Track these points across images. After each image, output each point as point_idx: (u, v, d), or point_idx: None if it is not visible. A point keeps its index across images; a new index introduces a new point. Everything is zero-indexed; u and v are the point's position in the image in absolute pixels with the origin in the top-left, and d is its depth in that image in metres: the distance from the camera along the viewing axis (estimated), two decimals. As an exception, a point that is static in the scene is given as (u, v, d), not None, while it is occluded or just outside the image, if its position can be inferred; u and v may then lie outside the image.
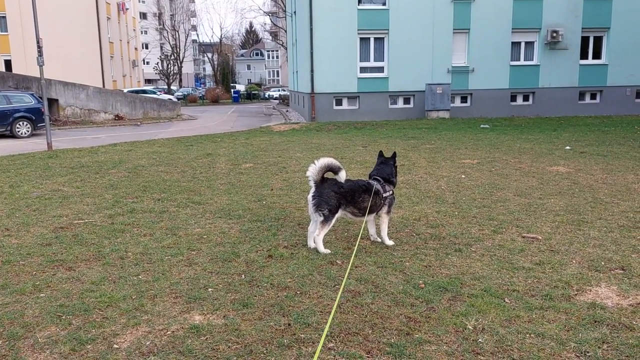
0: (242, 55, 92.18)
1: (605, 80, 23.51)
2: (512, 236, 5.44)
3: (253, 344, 3.20)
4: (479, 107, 22.86)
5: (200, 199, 7.27)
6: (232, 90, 49.94)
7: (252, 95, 51.07)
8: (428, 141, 14.08)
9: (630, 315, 3.55)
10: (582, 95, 23.68)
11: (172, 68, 59.08)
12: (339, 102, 22.89)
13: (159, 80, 64.84)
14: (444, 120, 21.34)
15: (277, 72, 79.00)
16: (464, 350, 3.12)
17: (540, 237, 5.36)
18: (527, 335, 3.30)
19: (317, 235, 4.93)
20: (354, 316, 3.57)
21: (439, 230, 5.66)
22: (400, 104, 23.16)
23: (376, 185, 5.11)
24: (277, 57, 75.66)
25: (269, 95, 52.87)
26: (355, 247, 4.78)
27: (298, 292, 3.98)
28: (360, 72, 22.35)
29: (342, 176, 5.01)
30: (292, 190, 7.84)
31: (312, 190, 4.98)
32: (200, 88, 66.19)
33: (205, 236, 5.49)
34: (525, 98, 23.66)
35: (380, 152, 5.64)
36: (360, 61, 22.30)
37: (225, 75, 56.20)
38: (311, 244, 5.03)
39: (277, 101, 44.49)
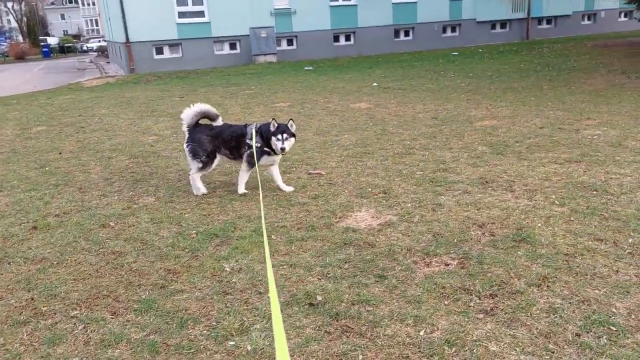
0: (52, 4, 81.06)
1: (416, 17, 25.39)
2: (299, 174, 5.67)
3: (-16, 329, 2.90)
4: (304, 50, 23.25)
5: (-33, 172, 6.32)
6: (42, 44, 43.98)
7: (66, 49, 45.54)
8: (249, 87, 13.99)
9: (376, 234, 3.94)
10: (397, 33, 25.37)
11: (-38, 20, 49.75)
12: (159, 51, 21.49)
13: (-53, 35, 54.38)
14: (271, 64, 21.34)
15: (96, 21, 71.32)
16: (215, 292, 3.18)
17: (323, 173, 5.67)
18: (281, 267, 3.48)
19: (193, 173, 4.98)
20: (110, 279, 3.42)
21: (232, 177, 5.67)
22: (226, 49, 22.54)
23: (249, 128, 4.91)
24: (94, 3, 68.06)
25: (87, 47, 47.70)
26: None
27: (55, 263, 3.69)
28: (179, 17, 21.09)
29: (219, 124, 4.95)
30: (84, 152, 7.22)
31: (186, 136, 4.98)
32: (5, 43, 57.22)
33: (-40, 215, 4.80)
34: (347, 38, 24.64)
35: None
36: (178, 5, 20.99)
37: (32, 27, 49.11)
38: (202, 189, 5.06)
39: (95, 54, 40.40)
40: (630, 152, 5.57)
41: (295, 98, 11.38)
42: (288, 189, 5.07)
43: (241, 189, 5.06)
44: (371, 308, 2.94)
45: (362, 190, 4.99)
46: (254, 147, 4.76)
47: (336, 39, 24.27)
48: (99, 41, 48.43)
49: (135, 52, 20.76)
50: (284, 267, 3.48)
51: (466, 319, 2.78)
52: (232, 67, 20.89)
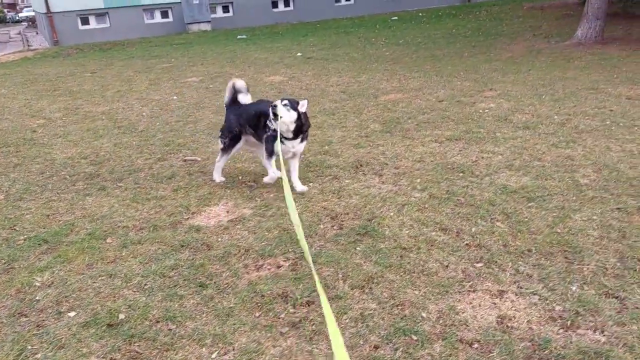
0: (-18, -32, 75.31)
1: (356, -19, 24.72)
2: (173, 162, 5.31)
3: None
4: (241, 17, 22.39)
5: None
6: (-33, 14, 40.98)
7: (-6, 20, 42.62)
8: (169, 59, 13.30)
9: (221, 232, 3.67)
10: (338, -3, 24.71)
11: None
12: (85, 21, 20.28)
13: None
14: (205, 33, 20.47)
15: (31, -13, 66.82)
16: (10, 314, 2.85)
17: (199, 159, 5.33)
18: (98, 278, 3.17)
19: (217, 161, 4.64)
20: None
21: (100, 167, 5.27)
22: (157, 18, 21.47)
23: (280, 105, 3.99)
24: (27, -32, 63.51)
25: (19, 17, 44.72)
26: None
27: None
28: (103, -16, 19.86)
29: (241, 99, 4.46)
30: (-45, 141, 6.61)
31: None
32: None
33: None
34: (287, 4, 23.84)
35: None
36: (100, -28, 19.73)
37: (-45, -6, 45.52)
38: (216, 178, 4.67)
39: (25, 24, 37.95)
40: (513, 127, 5.45)
41: (210, 71, 10.85)
42: (301, 188, 4.23)
43: (272, 173, 4.25)
44: (174, 326, 2.68)
45: (232, 179, 4.69)
46: (278, 131, 3.98)
47: (275, 5, 23.45)
48: (34, 11, 45.55)
49: (58, 23, 19.50)
50: (103, 277, 3.18)
51: (268, 335, 2.57)
52: (164, 37, 19.93)
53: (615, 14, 13.87)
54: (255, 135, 4.41)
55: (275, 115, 3.96)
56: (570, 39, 10.97)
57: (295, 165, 4.31)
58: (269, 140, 4.17)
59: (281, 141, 4.04)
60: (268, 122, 4.17)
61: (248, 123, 4.39)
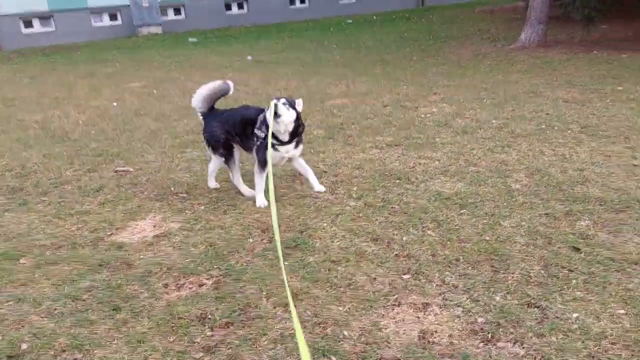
0: None
1: (311, -16, 24.68)
2: (104, 173, 5.06)
3: None
4: (194, 20, 21.95)
5: None
6: None
7: None
8: (113, 64, 12.86)
9: (145, 249, 3.48)
10: (292, 0, 24.60)
11: None
12: (28, 25, 19.41)
13: None
14: (155, 36, 19.96)
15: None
16: None
17: (132, 169, 5.10)
18: (5, 304, 2.92)
19: (233, 178, 4.28)
20: None
21: (25, 180, 4.96)
22: (106, 21, 20.78)
23: (280, 104, 3.74)
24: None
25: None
26: None
27: None
28: (46, -15, 19.08)
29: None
30: None
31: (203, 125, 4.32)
32: None
33: None
34: (240, 6, 23.54)
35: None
36: (43, -28, 18.95)
37: None
38: (212, 184, 4.44)
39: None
40: (452, 132, 5.47)
41: (155, 76, 10.54)
42: (319, 187, 4.18)
43: (259, 200, 4.01)
44: (81, 355, 2.49)
45: (163, 190, 4.50)
46: (269, 135, 3.61)
47: (228, 7, 23.12)
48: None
49: (0, 26, 18.60)
50: (10, 303, 2.94)
51: (180, 361, 2.42)
52: (112, 40, 19.33)
53: (558, 18, 14.32)
54: (241, 144, 4.13)
55: (275, 114, 3.70)
56: (515, 43, 11.23)
57: (303, 164, 4.19)
58: (260, 149, 3.88)
59: (274, 147, 3.82)
60: (256, 130, 3.92)
61: (235, 130, 4.10)
